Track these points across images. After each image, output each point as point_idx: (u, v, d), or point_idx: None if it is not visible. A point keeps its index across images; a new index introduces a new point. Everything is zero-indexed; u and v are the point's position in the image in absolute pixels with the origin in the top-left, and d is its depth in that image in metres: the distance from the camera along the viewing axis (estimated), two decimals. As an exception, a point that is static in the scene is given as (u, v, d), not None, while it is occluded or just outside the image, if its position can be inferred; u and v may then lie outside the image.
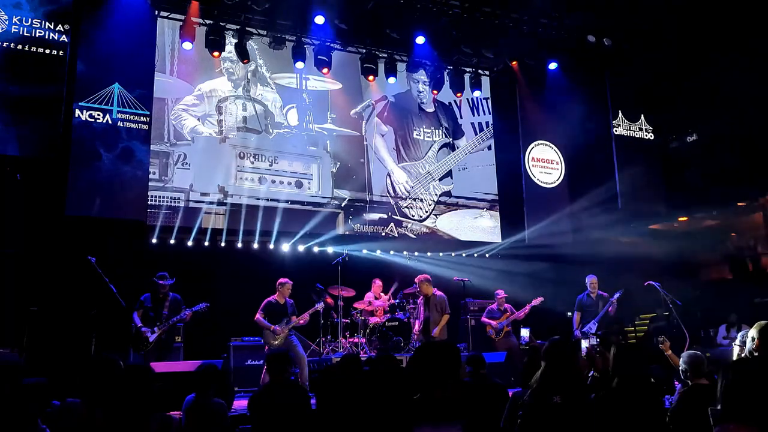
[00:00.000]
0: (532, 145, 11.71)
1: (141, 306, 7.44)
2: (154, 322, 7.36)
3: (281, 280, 7.95)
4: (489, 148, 11.86)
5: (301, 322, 7.93)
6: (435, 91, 11.18)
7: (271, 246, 9.74)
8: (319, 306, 8.19)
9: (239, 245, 9.56)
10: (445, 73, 11.12)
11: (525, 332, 8.98)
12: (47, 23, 8.17)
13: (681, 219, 12.48)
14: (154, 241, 8.90)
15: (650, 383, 3.87)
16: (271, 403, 4.30)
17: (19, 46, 7.99)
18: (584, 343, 8.32)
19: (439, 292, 8.52)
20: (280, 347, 7.45)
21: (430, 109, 11.54)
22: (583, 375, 3.46)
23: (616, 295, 8.39)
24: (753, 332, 3.56)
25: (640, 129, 11.93)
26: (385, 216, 10.61)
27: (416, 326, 8.60)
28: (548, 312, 9.74)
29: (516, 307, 9.32)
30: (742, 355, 4.04)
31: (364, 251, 10.46)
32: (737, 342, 4.69)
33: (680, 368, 4.45)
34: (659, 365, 6.82)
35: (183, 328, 7.92)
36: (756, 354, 3.46)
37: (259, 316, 7.75)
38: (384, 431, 3.61)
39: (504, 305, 9.27)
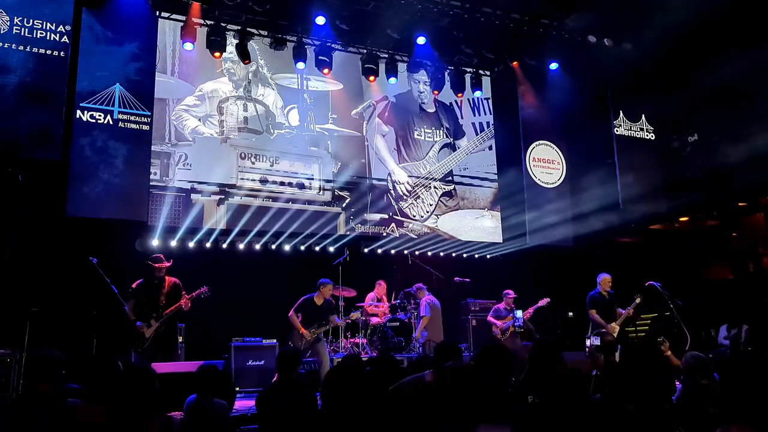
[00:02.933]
0: (533, 145, 11.71)
1: (133, 295, 6.92)
2: (149, 314, 6.84)
3: (321, 280, 7.92)
4: (490, 148, 11.87)
5: (339, 323, 7.96)
6: (436, 92, 11.20)
7: (273, 246, 9.76)
8: (339, 322, 8.19)
9: (240, 246, 9.58)
10: (446, 74, 11.14)
11: (519, 313, 8.94)
12: (48, 24, 8.18)
13: (682, 219, 12.47)
14: (155, 242, 8.91)
15: (654, 384, 3.88)
16: (279, 402, 4.30)
17: (21, 47, 8.00)
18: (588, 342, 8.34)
19: (424, 298, 8.65)
20: (305, 348, 7.51)
21: (431, 109, 11.55)
22: (568, 376, 3.47)
23: (636, 301, 8.39)
24: None
25: (641, 129, 11.92)
26: (386, 216, 10.62)
27: None
28: (549, 312, 9.74)
29: (518, 307, 9.36)
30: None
31: (365, 251, 10.48)
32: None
33: (683, 368, 4.47)
34: (660, 366, 6.83)
35: (184, 328, 7.81)
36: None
37: (292, 313, 7.72)
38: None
39: (512, 305, 9.30)
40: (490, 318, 9.40)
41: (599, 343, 8.03)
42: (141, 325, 6.80)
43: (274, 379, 7.29)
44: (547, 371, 3.30)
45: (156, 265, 7.00)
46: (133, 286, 7.02)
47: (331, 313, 7.80)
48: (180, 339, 7.45)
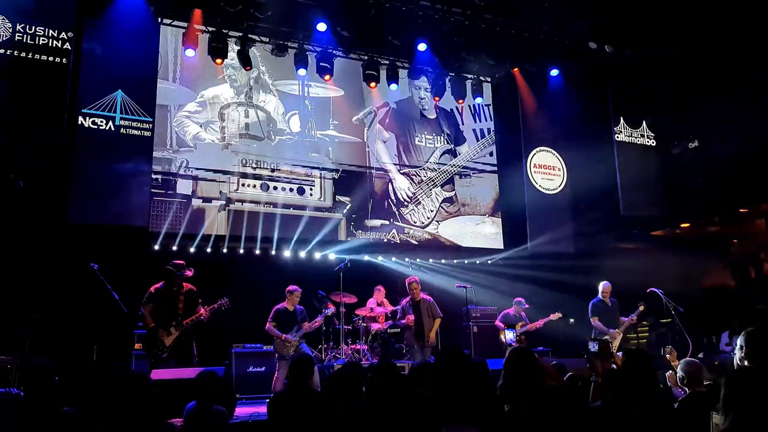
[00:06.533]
0: (534, 151, 11.73)
1: (151, 300, 6.80)
2: (169, 322, 6.73)
3: (290, 287, 7.89)
4: (491, 154, 11.89)
5: (315, 325, 7.88)
6: (437, 98, 11.21)
7: (273, 252, 9.75)
8: (329, 311, 8.13)
9: (241, 251, 9.57)
10: (447, 80, 11.14)
11: (510, 334, 8.83)
12: (51, 31, 8.20)
13: (683, 225, 12.46)
14: (156, 248, 8.91)
15: (658, 389, 3.88)
16: (292, 408, 4.26)
17: (23, 54, 8.02)
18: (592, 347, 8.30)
19: (427, 296, 8.59)
20: (293, 356, 7.38)
21: (432, 115, 11.57)
22: (544, 383, 3.47)
23: (639, 309, 8.41)
24: (740, 340, 3.48)
25: (642, 135, 11.93)
26: (386, 222, 10.62)
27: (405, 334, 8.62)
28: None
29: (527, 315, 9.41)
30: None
31: (366, 257, 10.48)
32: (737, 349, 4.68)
33: (678, 376, 4.49)
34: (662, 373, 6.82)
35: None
36: (746, 362, 3.39)
37: (269, 325, 7.68)
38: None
39: (521, 313, 9.29)
40: (497, 323, 9.35)
41: (597, 350, 8.01)
42: (162, 331, 6.67)
43: (273, 385, 7.31)
44: (522, 379, 3.29)
45: (179, 273, 6.87)
46: (151, 290, 6.90)
47: (304, 320, 7.80)
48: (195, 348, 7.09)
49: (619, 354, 8.27)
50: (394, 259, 10.74)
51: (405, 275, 10.47)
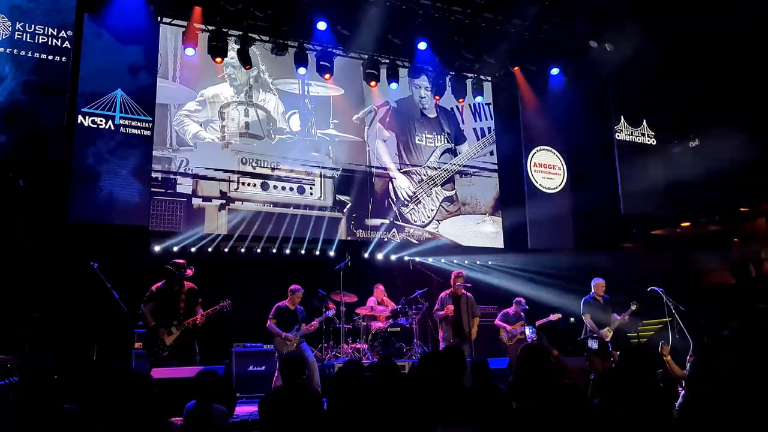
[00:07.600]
0: (534, 150, 11.72)
1: (152, 299, 6.82)
2: (170, 321, 6.76)
3: (292, 287, 7.92)
4: (491, 153, 11.88)
5: (312, 329, 7.90)
6: (437, 97, 11.19)
7: (274, 251, 9.75)
8: (330, 313, 8.17)
9: (242, 251, 9.57)
10: (447, 79, 11.13)
11: (528, 330, 8.86)
12: (50, 29, 8.19)
13: (683, 224, 12.45)
14: (156, 247, 8.90)
15: (658, 387, 3.87)
16: (284, 406, 4.26)
17: (23, 53, 8.02)
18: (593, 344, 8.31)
19: (468, 293, 8.59)
20: (293, 353, 7.38)
21: (432, 114, 11.56)
22: (555, 382, 3.45)
23: (632, 308, 8.38)
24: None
25: (642, 134, 11.91)
26: (387, 221, 10.61)
27: (442, 328, 8.56)
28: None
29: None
30: None
31: (366, 256, 10.47)
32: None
33: (687, 373, 4.47)
34: (662, 370, 6.81)
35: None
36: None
37: (270, 323, 7.70)
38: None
39: (520, 312, 9.30)
40: (498, 321, 9.36)
41: (596, 348, 8.03)
42: (163, 330, 6.70)
43: (274, 383, 7.31)
44: (531, 377, 3.28)
45: (177, 272, 6.88)
46: (152, 289, 6.93)
47: (304, 320, 7.82)
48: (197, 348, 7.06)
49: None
50: (394, 258, 10.73)
51: (405, 274, 10.49)
